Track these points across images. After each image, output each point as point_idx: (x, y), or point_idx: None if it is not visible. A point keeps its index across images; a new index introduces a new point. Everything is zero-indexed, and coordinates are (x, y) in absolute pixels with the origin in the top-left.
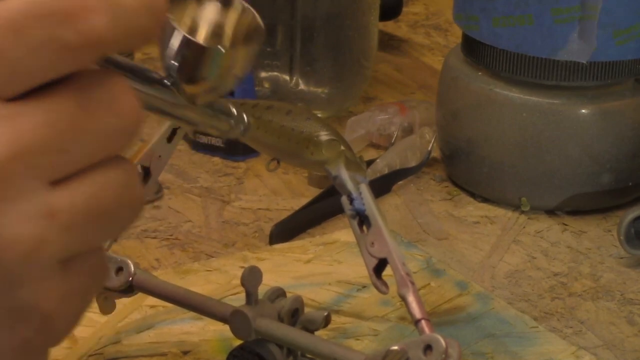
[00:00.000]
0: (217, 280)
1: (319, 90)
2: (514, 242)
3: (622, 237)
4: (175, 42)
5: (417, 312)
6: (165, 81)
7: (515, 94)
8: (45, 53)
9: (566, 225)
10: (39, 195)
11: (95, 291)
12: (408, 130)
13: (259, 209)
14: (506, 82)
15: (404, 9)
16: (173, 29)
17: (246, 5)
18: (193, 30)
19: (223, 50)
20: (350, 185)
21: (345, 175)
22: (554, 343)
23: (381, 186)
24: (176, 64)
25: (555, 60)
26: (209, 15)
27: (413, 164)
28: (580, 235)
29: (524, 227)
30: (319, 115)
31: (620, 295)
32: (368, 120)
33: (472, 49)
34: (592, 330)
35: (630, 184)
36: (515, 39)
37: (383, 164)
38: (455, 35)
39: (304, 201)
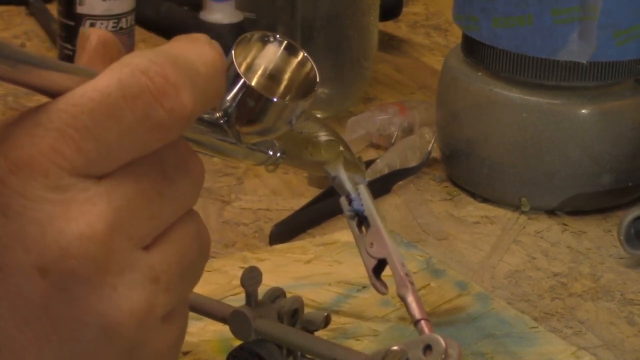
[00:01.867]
0: (217, 280)
1: (319, 90)
2: (514, 243)
3: (622, 237)
4: (238, 87)
5: (416, 313)
6: (220, 121)
7: (515, 94)
8: (139, 134)
9: (566, 225)
10: (141, 262)
11: (185, 333)
12: (408, 131)
13: (259, 209)
14: (506, 83)
15: (404, 9)
16: (236, 74)
17: (308, 57)
18: (252, 70)
19: (282, 102)
20: (348, 186)
21: (344, 175)
22: (554, 343)
23: (381, 186)
24: (234, 105)
25: (555, 60)
26: (270, 58)
27: (413, 164)
28: (580, 236)
29: (524, 227)
30: (319, 115)
31: (620, 295)
32: (368, 120)
33: (472, 49)
34: (592, 330)
35: (630, 184)
36: (515, 39)
37: (383, 164)
38: (455, 35)
39: (304, 201)
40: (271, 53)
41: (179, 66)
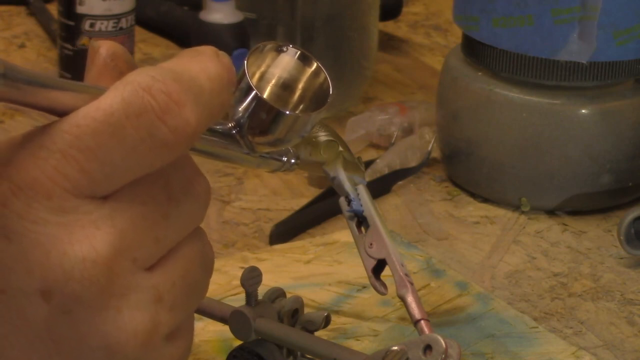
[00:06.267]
0: (217, 280)
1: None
2: (514, 243)
3: (622, 237)
4: (250, 98)
5: (416, 313)
6: (233, 131)
7: (515, 94)
8: (143, 153)
9: (566, 225)
10: (144, 283)
11: (191, 348)
12: (408, 130)
13: (259, 209)
14: (506, 82)
15: (404, 9)
16: (248, 85)
17: (321, 67)
18: (266, 79)
19: (294, 115)
20: (348, 187)
21: (343, 176)
22: (554, 343)
23: (381, 186)
24: (246, 116)
25: (555, 60)
26: (284, 67)
27: (413, 164)
28: (580, 236)
29: (524, 227)
30: None
31: (620, 295)
32: (368, 120)
33: (472, 49)
34: (592, 330)
35: (630, 184)
36: (515, 39)
37: (383, 164)
38: (455, 35)
39: (304, 201)
40: (285, 62)
41: (182, 82)
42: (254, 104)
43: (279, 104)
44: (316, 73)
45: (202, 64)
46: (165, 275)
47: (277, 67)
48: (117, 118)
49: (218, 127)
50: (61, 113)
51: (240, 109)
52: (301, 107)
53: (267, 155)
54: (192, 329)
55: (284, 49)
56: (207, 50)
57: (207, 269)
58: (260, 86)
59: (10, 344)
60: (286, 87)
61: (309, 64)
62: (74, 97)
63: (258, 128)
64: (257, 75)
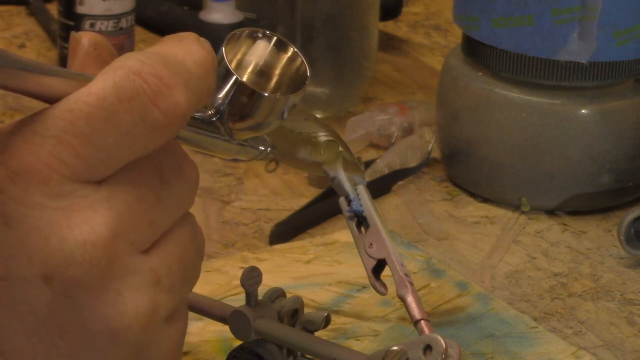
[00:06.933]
0: (217, 280)
1: (319, 90)
2: (514, 243)
3: (622, 237)
4: (230, 84)
5: (416, 313)
6: (213, 118)
7: (515, 94)
8: (136, 136)
9: (566, 225)
10: (142, 266)
11: (186, 333)
12: (408, 131)
13: (259, 209)
14: (506, 82)
15: (404, 9)
16: (227, 71)
17: (298, 52)
18: (243, 67)
19: (274, 97)
20: (348, 187)
21: (343, 176)
22: (554, 343)
23: (381, 186)
24: (227, 102)
25: (555, 60)
26: (260, 54)
27: (413, 164)
28: (580, 236)
29: (524, 227)
30: (319, 115)
31: (620, 295)
32: (368, 120)
33: (472, 49)
34: (592, 330)
35: (630, 184)
36: (515, 39)
37: (383, 164)
38: (455, 35)
39: (304, 201)
40: (261, 49)
41: (170, 66)
42: (234, 89)
43: (257, 89)
44: (292, 58)
45: (187, 48)
46: (161, 258)
47: (253, 54)
48: (110, 102)
49: (197, 114)
50: (51, 99)
51: (220, 95)
52: (278, 93)
53: (246, 144)
54: (187, 312)
55: (260, 35)
56: (189, 36)
57: (199, 253)
58: (238, 73)
59: (13, 331)
60: (263, 73)
61: (285, 50)
62: (63, 83)
63: (238, 113)
64: (234, 63)
